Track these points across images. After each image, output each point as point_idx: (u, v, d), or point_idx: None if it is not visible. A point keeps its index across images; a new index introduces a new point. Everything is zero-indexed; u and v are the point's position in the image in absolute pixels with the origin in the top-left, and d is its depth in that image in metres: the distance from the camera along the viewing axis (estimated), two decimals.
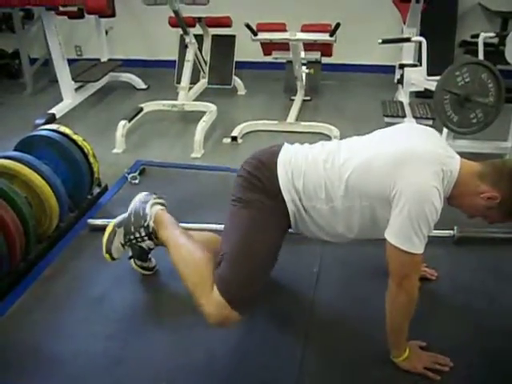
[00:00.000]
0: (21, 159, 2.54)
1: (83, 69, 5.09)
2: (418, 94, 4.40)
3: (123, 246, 2.26)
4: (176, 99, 4.44)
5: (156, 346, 2.07)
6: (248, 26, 3.99)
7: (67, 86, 4.63)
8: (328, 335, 2.09)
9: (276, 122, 4.24)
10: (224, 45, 5.08)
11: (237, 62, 5.08)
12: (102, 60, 5.52)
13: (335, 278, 2.40)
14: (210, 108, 4.24)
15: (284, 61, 4.92)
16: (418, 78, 3.81)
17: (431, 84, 3.41)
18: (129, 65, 5.57)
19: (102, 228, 2.67)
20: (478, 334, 2.07)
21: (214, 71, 5.05)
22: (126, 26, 5.76)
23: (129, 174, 3.32)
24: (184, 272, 1.97)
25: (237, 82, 5.16)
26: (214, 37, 5.10)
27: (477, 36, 3.57)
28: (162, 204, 2.29)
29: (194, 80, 4.85)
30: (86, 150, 2.87)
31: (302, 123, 4.23)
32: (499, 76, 3.10)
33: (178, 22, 4.49)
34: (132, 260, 2.39)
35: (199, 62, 4.90)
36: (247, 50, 4.87)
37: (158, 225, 2.19)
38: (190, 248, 2.02)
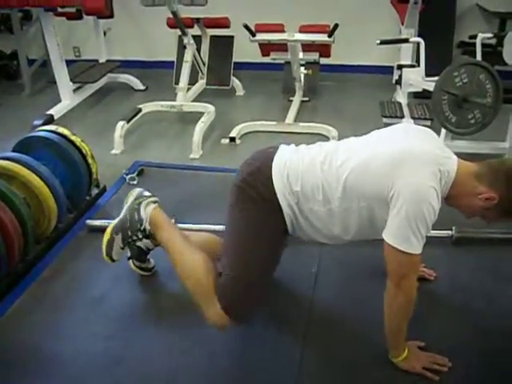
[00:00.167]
0: (19, 160, 2.54)
1: (81, 70, 5.08)
2: (416, 95, 4.40)
3: (123, 248, 2.26)
4: (174, 100, 4.44)
5: (155, 346, 2.07)
6: (246, 27, 3.99)
7: (65, 86, 4.63)
8: (327, 335, 2.10)
9: (274, 122, 4.24)
10: (222, 45, 5.08)
11: (235, 63, 5.08)
12: (101, 61, 5.51)
13: (334, 278, 2.41)
14: (209, 109, 4.24)
15: (282, 61, 4.92)
16: (416, 79, 3.81)
17: (429, 85, 3.42)
18: (127, 66, 5.57)
19: (101, 229, 2.68)
20: (477, 334, 2.07)
21: (212, 72, 5.06)
22: (125, 26, 5.76)
23: (127, 174, 3.32)
24: (186, 283, 2.03)
25: (235, 82, 5.16)
26: (213, 37, 5.11)
27: (475, 37, 3.57)
28: (154, 202, 2.27)
29: (193, 81, 4.85)
30: (84, 151, 2.87)
31: (301, 124, 4.23)
32: (497, 77, 3.11)
33: (176, 22, 4.49)
34: (131, 261, 2.39)
35: (197, 63, 4.90)
36: (245, 50, 4.88)
37: (155, 227, 2.19)
38: (189, 257, 2.05)
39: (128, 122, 4.07)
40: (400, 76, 4.08)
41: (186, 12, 4.57)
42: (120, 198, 2.91)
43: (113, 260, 2.25)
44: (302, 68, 4.82)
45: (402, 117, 3.92)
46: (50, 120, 4.21)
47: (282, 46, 4.29)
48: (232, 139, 4.03)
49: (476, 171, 1.81)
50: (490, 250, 2.56)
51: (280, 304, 2.22)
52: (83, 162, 2.86)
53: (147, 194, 2.30)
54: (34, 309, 2.27)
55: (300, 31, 4.28)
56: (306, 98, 4.89)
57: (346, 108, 4.74)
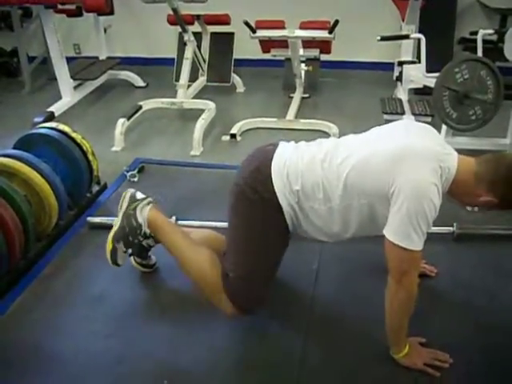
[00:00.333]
0: (20, 157, 2.54)
1: (82, 67, 5.08)
2: (416, 91, 4.39)
3: (126, 252, 2.26)
4: (175, 97, 4.43)
5: (157, 343, 2.07)
6: (247, 24, 3.99)
7: (66, 84, 4.63)
8: (328, 332, 2.10)
9: (275, 119, 4.24)
10: (223, 42, 5.07)
11: (235, 60, 5.07)
12: (101, 58, 5.51)
13: (334, 275, 2.41)
14: (209, 106, 4.23)
15: (283, 58, 4.91)
16: (417, 75, 3.81)
17: (430, 81, 3.41)
18: (127, 63, 5.56)
19: (102, 226, 2.69)
20: (478, 330, 2.07)
21: (212, 69, 5.05)
22: (125, 23, 5.75)
23: (128, 171, 3.32)
24: (192, 279, 2.13)
25: (236, 79, 5.15)
26: (213, 34, 5.09)
27: (476, 33, 3.56)
28: (148, 203, 2.27)
29: (193, 78, 4.84)
30: (85, 148, 2.87)
31: (301, 120, 4.22)
32: (498, 73, 3.10)
33: (176, 19, 4.48)
34: (132, 257, 2.39)
35: (198, 60, 4.89)
36: (246, 47, 4.86)
37: (154, 229, 2.21)
38: (192, 255, 2.12)
39: (128, 119, 4.06)
40: (401, 72, 4.08)
41: (187, 9, 4.56)
42: (121, 195, 2.92)
43: (119, 265, 2.24)
44: (303, 64, 4.81)
45: (403, 113, 3.91)
46: (50, 117, 4.21)
47: (282, 43, 4.28)
48: (233, 136, 4.03)
49: (475, 172, 1.81)
50: (491, 247, 2.56)
51: (281, 301, 2.22)
52: (84, 159, 2.86)
53: (140, 196, 2.29)
54: (35, 306, 2.27)
55: (300, 28, 4.26)
56: (307, 95, 4.89)
57: (347, 104, 4.73)
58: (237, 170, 2.09)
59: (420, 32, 4.07)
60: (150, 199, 2.28)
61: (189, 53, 4.63)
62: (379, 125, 2.01)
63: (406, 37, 3.95)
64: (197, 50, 4.80)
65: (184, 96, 4.45)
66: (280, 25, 4.22)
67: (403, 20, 4.62)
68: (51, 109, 4.38)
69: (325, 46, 4.41)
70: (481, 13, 5.17)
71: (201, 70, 5.02)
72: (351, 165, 1.83)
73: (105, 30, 5.56)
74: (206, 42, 5.09)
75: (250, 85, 5.24)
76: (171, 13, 4.46)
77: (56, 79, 4.64)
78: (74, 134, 2.87)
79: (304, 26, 4.29)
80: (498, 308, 2.18)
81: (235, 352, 2.06)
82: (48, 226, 2.62)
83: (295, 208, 1.94)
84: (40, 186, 2.50)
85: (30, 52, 5.56)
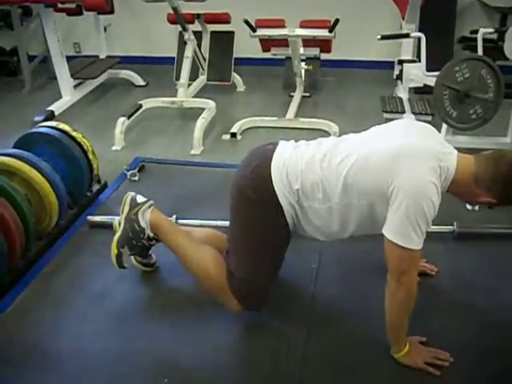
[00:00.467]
0: (20, 156, 2.54)
1: (82, 66, 5.08)
2: (417, 90, 4.39)
3: (131, 255, 2.28)
4: (175, 96, 4.43)
5: (157, 341, 2.07)
6: (247, 23, 3.98)
7: (66, 83, 4.63)
8: (329, 330, 2.10)
9: (275, 118, 4.24)
10: (223, 41, 5.07)
11: (236, 59, 5.07)
12: (101, 57, 5.51)
13: (335, 273, 2.41)
14: (209, 104, 4.23)
15: (283, 57, 4.90)
16: (417, 74, 3.81)
17: (430, 80, 3.41)
18: (128, 62, 5.56)
19: (102, 225, 2.69)
20: (478, 329, 2.07)
21: (212, 68, 5.04)
22: (125, 22, 5.75)
23: (128, 170, 3.31)
24: (197, 279, 2.17)
25: (236, 78, 5.15)
26: (213, 33, 5.09)
27: (476, 32, 3.56)
28: (149, 206, 2.28)
29: (193, 77, 4.84)
30: (85, 147, 2.87)
31: (302, 119, 4.22)
32: (498, 72, 3.10)
33: (176, 18, 4.48)
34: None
35: (198, 59, 4.89)
36: (246, 46, 4.87)
37: (157, 231, 2.23)
38: (196, 255, 2.15)
39: (129, 118, 4.06)
40: (401, 71, 4.08)
41: (187, 8, 4.56)
42: (121, 194, 2.91)
43: (125, 268, 2.26)
44: (303, 63, 4.80)
45: (403, 112, 3.91)
46: (50, 116, 4.21)
47: (282, 42, 4.28)
48: (233, 135, 4.03)
49: (474, 172, 1.80)
50: (491, 245, 2.56)
51: (282, 300, 2.22)
52: (84, 158, 2.86)
53: (140, 200, 2.29)
54: (36, 305, 2.27)
55: (301, 26, 4.26)
56: (307, 94, 4.88)
57: (347, 103, 4.73)
58: (236, 169, 2.09)
59: (420, 31, 4.07)
60: (150, 202, 2.29)
61: (189, 52, 4.62)
62: (379, 124, 2.01)
63: (407, 36, 3.95)
64: (197, 49, 4.80)
65: (184, 95, 4.45)
66: (280, 23, 4.21)
67: (403, 19, 4.62)
68: (51, 108, 4.39)
69: (325, 44, 4.41)
70: (481, 11, 5.17)
71: (201, 69, 5.02)
72: (351, 164, 1.83)
73: (105, 29, 5.56)
74: (206, 41, 5.08)
75: (250, 84, 5.24)
76: (171, 12, 4.46)
77: (56, 78, 4.65)
78: (74, 133, 2.87)
79: (304, 24, 4.28)
80: (498, 307, 2.18)
81: (236, 350, 2.06)
82: (48, 224, 2.63)
83: (295, 207, 1.94)
84: (40, 185, 2.51)
85: (30, 51, 5.56)
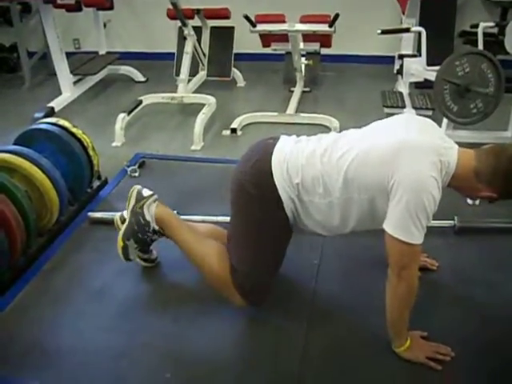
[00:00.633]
0: (20, 153, 2.54)
1: (81, 62, 5.08)
2: (417, 85, 4.38)
3: (137, 247, 2.29)
4: (175, 92, 4.43)
5: (159, 337, 2.07)
6: (247, 18, 3.98)
7: (66, 79, 4.63)
8: (329, 326, 2.10)
9: (276, 113, 4.23)
10: (223, 36, 5.06)
11: (236, 54, 5.06)
12: (101, 53, 5.50)
13: (336, 269, 2.41)
14: (210, 100, 4.23)
15: (283, 52, 4.90)
16: (418, 69, 3.80)
17: (431, 74, 3.41)
18: (127, 57, 5.55)
19: (103, 221, 2.69)
20: (480, 323, 2.07)
21: (212, 63, 5.04)
22: (125, 18, 5.74)
23: (128, 166, 3.31)
24: (201, 272, 2.18)
25: (236, 73, 5.14)
26: (213, 28, 5.08)
27: (476, 26, 3.55)
28: (155, 200, 2.29)
29: (193, 72, 4.84)
30: (85, 143, 2.87)
31: (302, 115, 4.22)
32: (499, 66, 3.10)
33: (176, 14, 4.47)
34: None
35: (198, 54, 4.88)
36: (246, 41, 4.85)
37: (162, 225, 2.24)
38: (201, 248, 2.17)
39: (129, 113, 4.06)
40: (401, 66, 4.07)
41: (186, 3, 4.55)
42: (122, 190, 2.92)
43: (131, 260, 2.30)
44: (303, 58, 4.80)
45: (404, 107, 3.91)
46: (50, 112, 4.21)
47: (282, 37, 4.27)
48: (233, 130, 4.02)
49: (475, 167, 1.80)
50: (492, 240, 2.56)
51: (282, 295, 2.22)
52: (84, 155, 2.86)
53: (146, 193, 2.29)
54: (37, 302, 2.27)
55: (301, 21, 4.26)
56: (307, 89, 4.88)
57: (348, 98, 4.72)
58: (236, 163, 2.09)
59: (420, 25, 4.05)
60: (156, 196, 2.30)
61: (189, 47, 4.62)
62: (380, 118, 2.01)
63: (407, 30, 3.94)
64: (197, 45, 4.79)
65: (184, 90, 4.44)
66: (280, 19, 4.21)
67: (404, 13, 4.62)
68: (51, 104, 4.39)
69: (325, 39, 4.40)
70: (481, 6, 5.15)
71: (201, 65, 5.02)
72: (351, 158, 1.83)
73: (104, 25, 5.55)
74: (205, 37, 5.07)
75: (250, 79, 5.23)
76: (171, 7, 4.45)
77: (56, 74, 4.64)
78: (74, 130, 2.86)
79: (304, 19, 4.28)
80: (499, 301, 2.18)
81: (237, 345, 2.06)
82: (49, 221, 2.62)
83: (295, 201, 1.94)
84: (41, 182, 2.50)
85: (29, 47, 5.55)
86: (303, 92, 4.76)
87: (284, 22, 4.18)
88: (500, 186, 1.79)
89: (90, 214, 2.81)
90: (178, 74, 4.65)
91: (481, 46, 3.43)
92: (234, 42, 5.04)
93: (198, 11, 4.84)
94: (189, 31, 4.57)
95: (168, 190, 2.98)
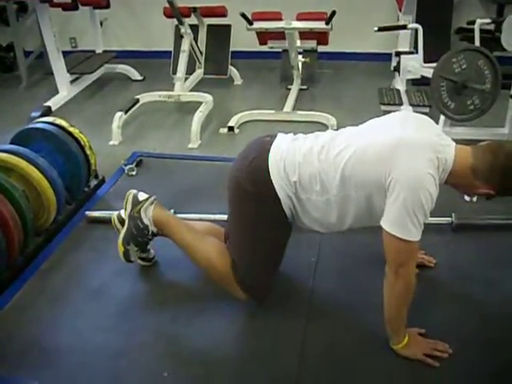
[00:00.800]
0: (17, 152, 2.53)
1: (78, 61, 5.08)
2: (414, 82, 4.39)
3: (138, 250, 2.30)
4: (172, 90, 4.43)
5: (156, 336, 2.07)
6: (243, 16, 3.98)
7: (62, 78, 4.63)
8: (327, 324, 2.10)
9: (273, 111, 4.24)
10: (219, 35, 5.06)
11: (232, 52, 5.07)
12: (97, 52, 5.50)
13: (333, 267, 2.40)
14: (207, 98, 4.23)
15: (280, 50, 4.91)
16: (415, 66, 3.80)
17: (428, 71, 3.41)
18: (124, 56, 5.55)
19: (100, 220, 2.69)
20: (477, 320, 2.07)
21: (209, 61, 5.04)
22: (121, 17, 5.74)
23: (126, 165, 3.30)
24: (203, 270, 2.20)
25: (233, 71, 5.14)
26: (210, 27, 5.08)
27: (473, 23, 3.56)
28: (151, 202, 2.28)
29: (190, 70, 4.84)
30: (82, 142, 2.86)
31: (299, 112, 4.22)
32: (496, 62, 3.10)
33: (172, 12, 4.47)
34: None
35: (195, 53, 4.88)
36: (243, 39, 4.86)
37: (161, 227, 2.24)
38: (200, 246, 2.18)
39: (126, 112, 4.06)
40: (398, 63, 4.08)
41: (183, 1, 4.55)
42: (119, 189, 2.92)
43: (132, 262, 2.32)
44: (300, 56, 4.80)
45: (401, 104, 3.91)
46: (47, 112, 4.21)
47: (279, 35, 4.27)
48: (230, 128, 4.03)
49: (472, 164, 1.80)
50: (490, 237, 2.55)
51: (280, 293, 2.22)
52: (81, 154, 2.86)
53: (142, 197, 2.29)
54: (35, 301, 2.26)
55: (297, 19, 4.26)
56: (304, 86, 4.88)
57: (345, 96, 4.72)
58: (233, 161, 2.09)
59: (417, 22, 4.06)
60: (152, 198, 2.29)
61: (185, 45, 4.62)
62: (377, 116, 2.00)
63: (404, 27, 3.96)
64: (193, 43, 4.79)
65: (181, 89, 4.45)
66: (277, 16, 4.21)
67: (400, 10, 4.62)
68: (48, 103, 4.38)
69: (322, 37, 4.41)
70: (478, 2, 5.16)
71: (198, 63, 5.02)
72: (348, 156, 1.83)
73: (101, 24, 5.55)
74: (202, 35, 5.08)
75: (247, 77, 5.23)
76: (167, 5, 4.45)
77: (52, 74, 4.64)
78: (71, 129, 2.86)
79: (301, 17, 4.29)
80: (497, 298, 2.18)
81: (235, 344, 2.06)
82: (46, 220, 2.62)
83: (293, 199, 1.94)
84: (38, 181, 2.50)
85: (26, 47, 5.55)
86: (300, 90, 4.77)
87: (281, 19, 4.19)
88: (497, 183, 1.79)
89: (88, 213, 2.81)
90: (174, 73, 4.65)
91: (477, 43, 3.43)
92: (230, 40, 5.05)
93: (194, 9, 4.84)
94: (185, 29, 4.58)
95: (165, 188, 2.97)
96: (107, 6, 5.25)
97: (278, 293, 2.20)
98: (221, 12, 4.85)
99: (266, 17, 4.18)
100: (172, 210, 2.65)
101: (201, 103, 4.14)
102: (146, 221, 2.23)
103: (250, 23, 4.07)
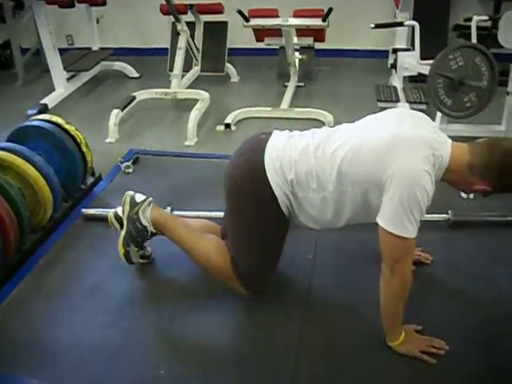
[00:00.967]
0: (13, 150, 2.53)
1: (75, 58, 5.06)
2: (411, 79, 4.39)
3: (138, 251, 2.30)
4: (169, 87, 4.42)
5: (153, 334, 2.07)
6: (240, 13, 3.97)
7: (59, 75, 4.62)
8: (324, 322, 2.10)
9: (269, 108, 4.23)
10: (216, 32, 5.05)
11: (229, 49, 5.06)
12: (94, 49, 5.48)
13: (330, 264, 2.41)
14: (203, 95, 4.22)
15: (277, 47, 4.89)
16: (412, 63, 3.80)
17: (425, 68, 3.41)
18: (121, 53, 5.53)
19: (97, 217, 2.68)
20: (474, 317, 2.08)
21: (206, 58, 5.03)
22: (117, 14, 5.72)
23: (122, 163, 3.30)
24: (203, 267, 2.21)
25: (229, 68, 5.13)
26: (206, 24, 5.07)
27: (470, 19, 3.55)
28: (149, 203, 2.28)
29: (187, 68, 4.83)
30: (78, 140, 2.86)
31: (296, 109, 4.21)
32: (492, 59, 3.10)
33: (169, 9, 4.46)
34: None
35: (191, 50, 4.87)
36: (239, 36, 4.85)
37: (159, 227, 2.25)
38: (199, 244, 2.18)
39: (122, 110, 4.05)
40: (395, 60, 4.06)
41: None
42: (116, 187, 2.92)
43: (134, 263, 2.33)
44: (297, 53, 4.80)
45: (398, 101, 3.91)
46: (44, 109, 4.19)
47: (276, 32, 4.27)
48: (227, 126, 4.02)
49: (469, 161, 1.80)
50: (486, 234, 2.56)
51: (276, 290, 2.22)
52: (78, 151, 2.85)
53: (139, 199, 2.29)
54: (31, 298, 2.26)
55: (294, 16, 4.26)
56: (301, 84, 4.88)
57: (342, 93, 4.72)
58: (230, 159, 2.09)
59: (414, 19, 4.05)
60: (150, 199, 2.29)
61: (182, 42, 4.61)
62: (374, 113, 2.00)
63: (401, 24, 3.95)
64: (190, 40, 4.78)
65: (178, 86, 4.44)
66: (273, 13, 4.20)
67: (397, 7, 4.61)
68: (44, 101, 4.37)
69: (319, 34, 4.40)
70: None
71: (194, 60, 5.01)
72: (345, 153, 1.83)
73: (97, 21, 5.53)
74: (199, 32, 5.06)
75: (244, 74, 5.22)
76: (164, 2, 4.44)
77: (49, 71, 4.62)
78: (67, 126, 2.85)
79: (297, 14, 4.28)
80: (493, 295, 2.18)
81: (231, 342, 2.06)
82: (43, 218, 2.62)
83: (290, 197, 1.94)
84: (34, 179, 2.49)
85: (22, 44, 5.52)
86: (297, 87, 4.76)
87: (277, 16, 4.18)
88: (494, 180, 1.79)
89: (84, 210, 2.80)
90: (171, 70, 4.64)
91: (474, 40, 3.43)
92: (227, 37, 5.04)
93: (191, 6, 4.82)
94: (182, 26, 4.57)
95: (162, 185, 2.98)
96: (103, 4, 5.23)
97: (274, 289, 2.20)
98: (217, 9, 4.84)
99: (262, 14, 4.18)
100: (169, 208, 2.65)
101: (197, 100, 4.13)
102: (144, 222, 2.23)
103: (247, 20, 4.06)
